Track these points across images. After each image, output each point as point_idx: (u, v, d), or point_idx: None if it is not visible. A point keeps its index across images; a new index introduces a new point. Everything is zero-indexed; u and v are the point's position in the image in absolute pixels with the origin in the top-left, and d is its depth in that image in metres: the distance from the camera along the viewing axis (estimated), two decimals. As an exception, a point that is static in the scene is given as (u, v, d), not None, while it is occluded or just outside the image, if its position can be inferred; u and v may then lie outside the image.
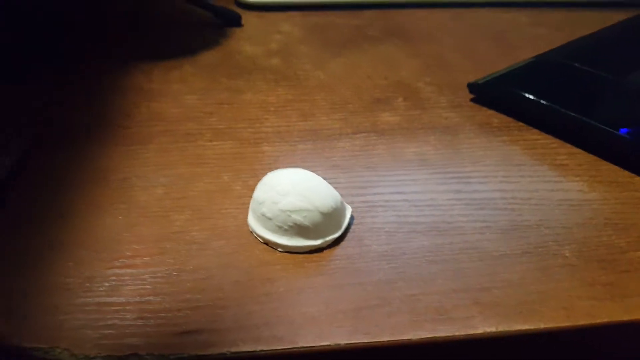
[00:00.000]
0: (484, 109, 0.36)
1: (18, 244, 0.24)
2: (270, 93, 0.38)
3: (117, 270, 0.23)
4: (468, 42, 0.46)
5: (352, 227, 0.26)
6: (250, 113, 0.35)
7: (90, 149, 0.31)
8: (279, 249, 0.24)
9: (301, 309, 0.22)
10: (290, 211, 0.24)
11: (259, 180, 0.29)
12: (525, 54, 0.42)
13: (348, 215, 0.26)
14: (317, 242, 0.24)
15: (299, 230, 0.24)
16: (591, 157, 0.31)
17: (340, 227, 0.25)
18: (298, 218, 0.24)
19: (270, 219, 0.24)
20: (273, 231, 0.24)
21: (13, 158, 0.30)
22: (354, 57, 0.43)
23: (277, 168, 0.30)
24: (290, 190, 0.24)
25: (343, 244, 0.25)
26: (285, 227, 0.24)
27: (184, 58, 0.42)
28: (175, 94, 0.37)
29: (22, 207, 0.27)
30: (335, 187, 0.27)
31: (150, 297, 0.22)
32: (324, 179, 0.28)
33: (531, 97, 0.34)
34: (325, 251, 0.25)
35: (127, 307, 0.22)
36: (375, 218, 0.27)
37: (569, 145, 0.32)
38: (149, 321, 0.21)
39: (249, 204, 0.27)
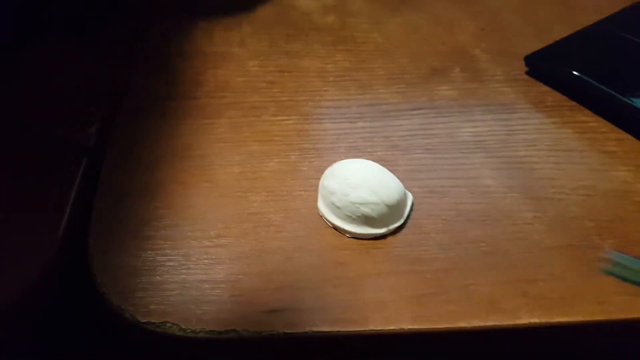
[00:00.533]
0: (539, 83, 0.37)
1: (116, 219, 0.28)
2: (328, 59, 0.39)
3: (209, 250, 0.27)
4: (528, 1, 0.45)
5: (412, 213, 0.29)
6: (310, 83, 0.37)
7: (166, 123, 0.33)
8: (347, 235, 0.28)
9: (370, 294, 0.25)
10: (359, 204, 0.27)
11: (324, 161, 0.31)
12: (586, 17, 0.41)
13: (409, 204, 0.29)
14: (382, 231, 0.27)
15: (366, 220, 0.27)
16: (639, 144, 0.32)
17: (402, 216, 0.28)
18: (366, 210, 0.27)
19: (339, 208, 0.27)
20: (342, 219, 0.27)
21: (97, 127, 0.32)
22: (412, 16, 0.43)
23: (340, 148, 0.32)
24: (360, 184, 0.27)
25: (404, 230, 0.28)
26: (354, 216, 0.27)
27: (241, 15, 0.43)
28: (237, 59, 0.39)
29: (113, 181, 0.30)
30: (394, 171, 0.29)
31: (240, 276, 0.26)
32: (384, 162, 0.30)
33: (582, 76, 0.34)
34: (388, 237, 0.28)
35: (222, 285, 0.25)
36: (433, 205, 0.29)
37: (618, 130, 0.33)
38: (241, 299, 0.25)
39: (316, 185, 0.29)
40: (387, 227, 0.27)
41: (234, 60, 0.38)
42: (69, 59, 0.37)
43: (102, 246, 0.27)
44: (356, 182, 0.27)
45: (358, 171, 0.27)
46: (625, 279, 0.25)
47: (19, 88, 0.34)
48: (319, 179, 0.29)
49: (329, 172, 0.28)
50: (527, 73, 0.38)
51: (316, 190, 0.29)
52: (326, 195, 0.28)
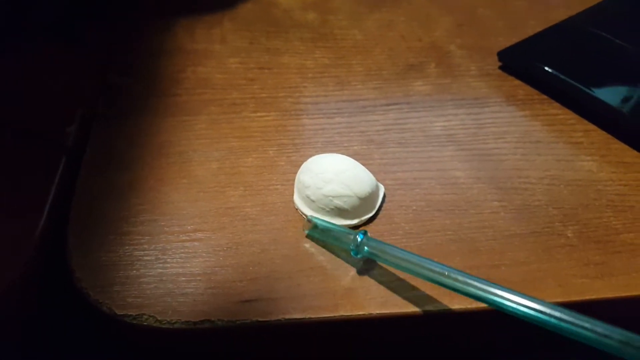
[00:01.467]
0: (511, 78, 0.38)
1: (94, 215, 0.29)
2: (308, 56, 0.40)
3: (185, 244, 0.28)
4: (503, -4, 0.46)
5: (384, 205, 0.30)
6: (290, 80, 0.38)
7: (147, 120, 0.34)
8: (321, 226, 0.29)
9: (340, 282, 0.26)
10: (332, 197, 0.28)
11: (301, 156, 0.32)
12: (559, 12, 0.42)
13: (381, 195, 0.30)
14: (354, 222, 0.28)
15: (339, 212, 0.28)
16: (604, 135, 0.34)
17: (374, 208, 0.29)
18: (339, 202, 0.28)
19: (314, 201, 0.28)
20: (316, 211, 0.28)
21: (76, 126, 0.33)
22: (391, 13, 0.44)
23: (317, 143, 0.33)
24: (333, 178, 0.28)
25: (376, 221, 0.29)
26: (327, 209, 0.28)
27: (222, 12, 0.44)
28: (218, 56, 0.40)
29: (93, 179, 0.31)
30: (369, 164, 0.30)
31: (216, 269, 0.27)
32: (359, 156, 0.31)
33: (551, 71, 0.35)
34: (360, 228, 0.29)
35: (198, 278, 0.26)
36: (404, 196, 0.30)
37: (585, 122, 0.35)
38: (217, 290, 0.26)
39: (293, 180, 0.31)
40: (359, 218, 0.29)
41: (214, 57, 0.39)
42: (50, 58, 0.37)
43: (80, 242, 0.28)
44: (329, 177, 0.28)
45: (331, 165, 0.29)
46: (321, 241, 0.28)
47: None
48: (296, 173, 0.30)
49: (305, 166, 0.30)
50: (500, 68, 0.39)
51: (293, 184, 0.30)
52: (301, 189, 0.29)
